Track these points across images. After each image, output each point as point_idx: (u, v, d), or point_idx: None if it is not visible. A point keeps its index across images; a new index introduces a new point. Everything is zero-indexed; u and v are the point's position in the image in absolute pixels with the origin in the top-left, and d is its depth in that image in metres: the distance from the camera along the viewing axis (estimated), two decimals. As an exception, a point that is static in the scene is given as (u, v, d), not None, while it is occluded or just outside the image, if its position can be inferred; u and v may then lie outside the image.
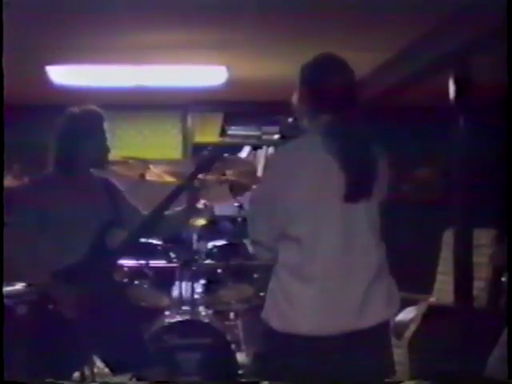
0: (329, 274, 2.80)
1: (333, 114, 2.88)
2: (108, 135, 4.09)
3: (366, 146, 2.88)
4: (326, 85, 2.90)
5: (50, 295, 3.87)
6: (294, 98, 3.01)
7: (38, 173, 4.21)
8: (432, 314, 5.57)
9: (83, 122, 4.04)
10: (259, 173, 7.13)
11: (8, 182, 7.55)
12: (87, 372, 4.79)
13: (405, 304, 5.58)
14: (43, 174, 4.18)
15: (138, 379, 4.49)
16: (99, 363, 4.90)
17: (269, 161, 3.01)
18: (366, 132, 2.91)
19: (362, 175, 2.83)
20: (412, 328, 5.58)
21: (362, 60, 5.65)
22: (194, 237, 5.61)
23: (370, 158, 2.87)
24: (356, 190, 2.82)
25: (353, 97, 2.93)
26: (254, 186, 5.78)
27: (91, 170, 4.13)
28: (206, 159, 4.28)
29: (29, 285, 4.11)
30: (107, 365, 4.19)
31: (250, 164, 6.10)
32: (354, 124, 2.89)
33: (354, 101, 2.93)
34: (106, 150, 4.09)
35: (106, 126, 4.09)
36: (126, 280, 5.20)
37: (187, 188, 4.19)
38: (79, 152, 4.00)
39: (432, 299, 5.98)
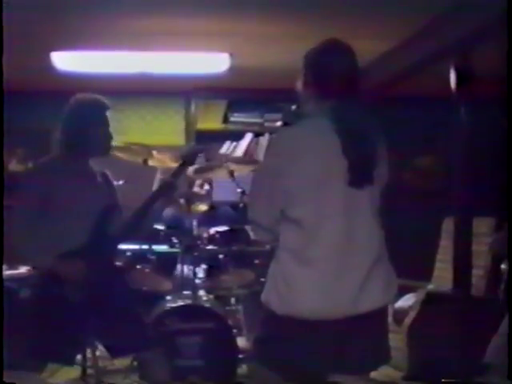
0: (329, 258, 2.82)
1: (336, 100, 2.90)
2: (111, 123, 4.14)
3: (367, 133, 2.91)
4: (330, 71, 2.93)
5: (54, 276, 3.92)
6: (299, 84, 3.03)
7: (42, 157, 4.25)
8: (431, 301, 5.59)
9: (89, 111, 4.09)
10: (260, 158, 7.18)
11: (12, 166, 7.61)
12: (89, 355, 4.85)
13: (404, 291, 5.62)
14: (47, 157, 4.22)
15: (141, 378, 4.55)
16: (101, 346, 4.96)
17: (271, 142, 3.03)
18: (368, 118, 2.94)
19: (364, 162, 2.86)
20: (411, 315, 5.60)
21: (365, 48, 5.67)
22: (195, 222, 5.63)
23: (372, 144, 2.90)
24: (359, 176, 2.84)
25: (356, 83, 2.97)
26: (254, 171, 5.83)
27: (94, 159, 4.19)
28: (188, 154, 4.34)
29: (33, 268, 4.13)
30: (107, 349, 4.23)
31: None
32: (357, 110, 2.92)
33: (358, 87, 2.96)
34: (110, 137, 4.15)
35: (109, 114, 4.14)
36: (127, 264, 5.24)
37: (171, 184, 4.24)
38: (84, 139, 4.05)
39: (431, 286, 6.01)
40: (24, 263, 5.50)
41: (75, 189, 3.98)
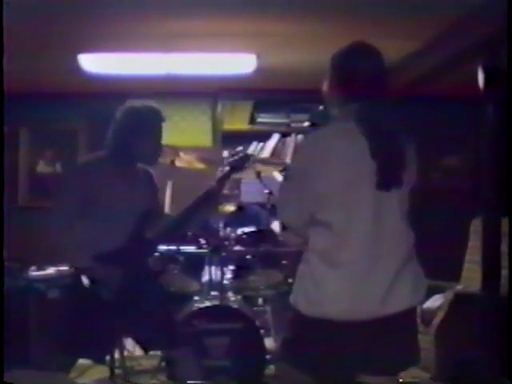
0: (358, 260, 2.82)
1: (363, 102, 2.89)
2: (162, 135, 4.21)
3: (394, 134, 2.90)
4: (356, 73, 2.91)
5: (92, 278, 3.96)
6: (325, 85, 3.02)
7: (89, 154, 4.29)
8: (459, 302, 5.56)
9: (145, 120, 4.13)
10: (288, 160, 7.18)
11: (40, 167, 7.66)
12: (117, 355, 4.88)
13: (432, 292, 5.58)
14: (94, 155, 4.26)
15: (169, 378, 4.59)
16: (129, 346, 4.99)
17: (300, 145, 3.02)
18: (395, 120, 2.93)
19: (392, 164, 2.84)
20: (439, 316, 5.58)
21: (392, 47, 5.66)
22: (221, 223, 5.64)
23: (399, 146, 2.88)
24: (387, 179, 2.83)
25: (383, 85, 2.95)
26: (282, 173, 5.83)
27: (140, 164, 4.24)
28: (237, 160, 4.43)
29: (73, 267, 4.18)
30: (139, 343, 4.28)
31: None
32: (384, 112, 2.91)
33: (384, 89, 2.95)
34: (160, 149, 4.20)
35: (164, 125, 4.19)
36: (160, 267, 5.27)
37: (219, 188, 4.34)
38: (136, 147, 4.10)
39: (459, 287, 5.98)
40: (62, 262, 5.54)
41: (118, 190, 4.02)
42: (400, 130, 2.93)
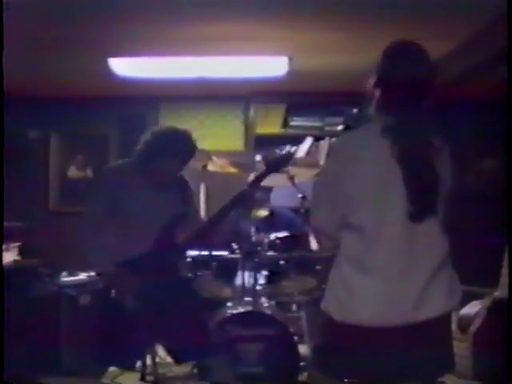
0: (390, 265, 2.78)
1: (402, 105, 2.82)
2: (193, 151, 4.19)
3: (428, 143, 2.81)
4: (400, 73, 2.83)
5: (113, 284, 3.94)
6: (370, 82, 2.93)
7: (117, 161, 4.29)
8: (497, 308, 5.48)
9: (177, 146, 4.13)
10: (321, 162, 7.10)
11: (71, 172, 7.67)
12: (149, 362, 4.86)
13: (470, 298, 5.51)
14: (122, 161, 4.25)
15: (200, 379, 4.57)
16: (161, 353, 4.95)
17: (332, 148, 2.96)
18: (430, 125, 2.85)
19: (424, 193, 2.79)
20: (476, 322, 5.51)
21: (429, 49, 5.59)
22: (253, 228, 5.60)
23: (432, 159, 2.80)
24: (420, 209, 2.78)
25: (427, 86, 2.86)
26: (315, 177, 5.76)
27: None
28: (278, 159, 4.37)
29: (98, 274, 4.17)
30: (170, 353, 4.25)
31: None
32: (421, 116, 2.83)
33: (429, 91, 2.86)
34: (184, 164, 4.16)
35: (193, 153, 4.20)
36: (190, 274, 5.25)
37: (253, 190, 4.29)
38: (161, 166, 4.07)
39: (497, 293, 5.88)
40: (89, 269, 5.56)
41: (144, 196, 4.00)
42: (435, 134, 2.85)
